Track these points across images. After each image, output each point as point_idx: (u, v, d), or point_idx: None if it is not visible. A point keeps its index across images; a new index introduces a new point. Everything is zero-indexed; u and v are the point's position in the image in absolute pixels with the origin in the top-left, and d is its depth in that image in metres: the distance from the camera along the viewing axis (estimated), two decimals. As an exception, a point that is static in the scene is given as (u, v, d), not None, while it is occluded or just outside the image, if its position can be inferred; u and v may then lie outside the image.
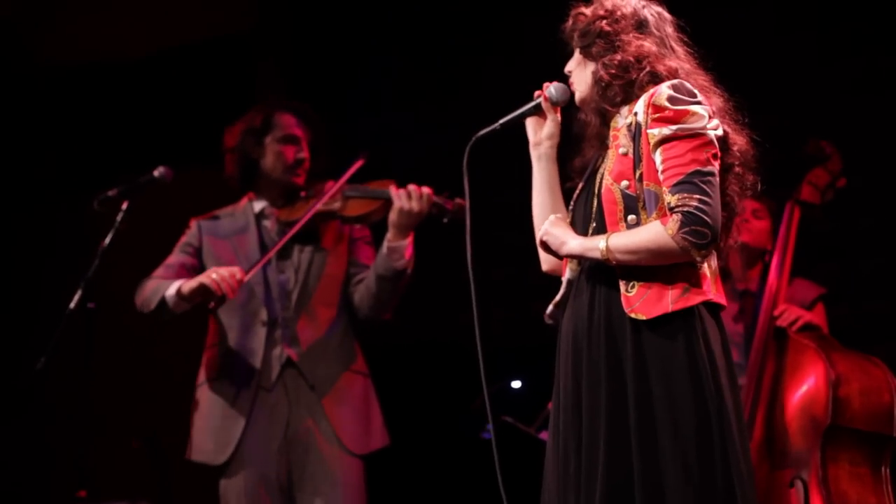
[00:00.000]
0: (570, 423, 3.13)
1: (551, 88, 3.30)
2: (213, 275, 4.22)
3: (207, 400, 4.42)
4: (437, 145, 4.51)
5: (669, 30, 3.25)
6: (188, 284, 4.30)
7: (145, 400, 6.46)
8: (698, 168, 3.00)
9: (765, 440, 4.54)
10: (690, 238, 2.96)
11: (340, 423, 4.32)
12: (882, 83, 5.41)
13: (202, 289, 4.24)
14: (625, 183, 3.10)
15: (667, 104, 3.04)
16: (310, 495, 4.30)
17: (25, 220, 7.01)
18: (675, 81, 3.09)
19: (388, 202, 4.31)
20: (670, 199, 3.00)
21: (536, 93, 3.32)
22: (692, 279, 3.05)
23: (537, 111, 3.33)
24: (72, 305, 4.35)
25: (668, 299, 3.03)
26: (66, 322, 4.34)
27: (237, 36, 6.76)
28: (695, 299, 3.04)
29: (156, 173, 4.50)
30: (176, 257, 4.52)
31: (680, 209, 2.98)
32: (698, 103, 3.05)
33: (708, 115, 3.05)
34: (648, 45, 3.18)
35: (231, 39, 6.77)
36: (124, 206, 4.45)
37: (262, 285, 4.38)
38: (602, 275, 3.12)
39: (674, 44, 3.24)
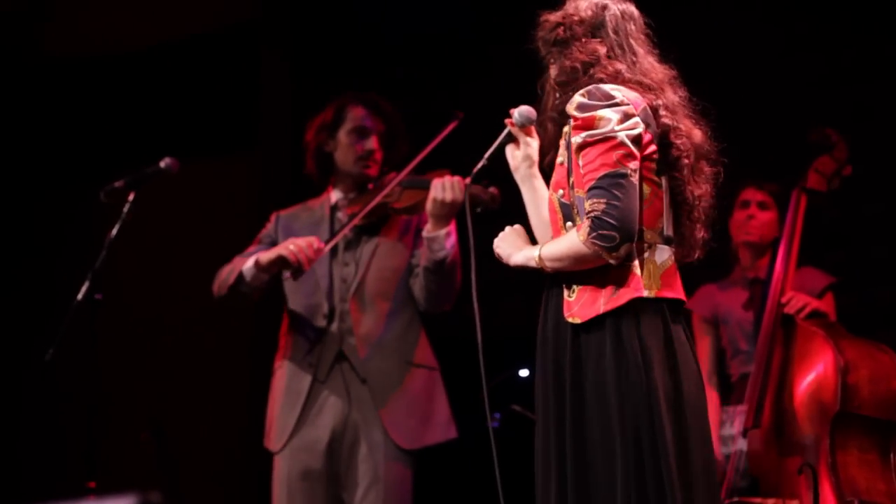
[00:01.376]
0: (538, 424, 3.23)
1: (516, 114, 3.40)
2: (291, 245, 4.26)
3: (275, 389, 4.47)
4: (449, 134, 4.49)
5: (632, 27, 3.28)
6: (266, 255, 4.33)
7: (154, 392, 6.48)
8: (608, 171, 3.05)
9: (773, 427, 4.54)
10: (599, 242, 3.03)
11: (390, 418, 4.31)
12: (886, 70, 5.41)
13: (279, 259, 4.27)
14: (560, 192, 3.20)
15: (576, 113, 3.12)
16: (351, 490, 4.31)
17: (32, 213, 7.02)
18: (589, 87, 3.14)
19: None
20: (586, 204, 3.07)
21: (506, 120, 3.41)
22: (621, 279, 3.10)
23: (512, 139, 3.43)
24: (79, 297, 4.35)
25: (601, 301, 3.10)
26: (73, 313, 4.34)
27: (241, 25, 6.76)
28: (624, 298, 3.08)
29: (162, 164, 4.49)
30: (255, 248, 4.54)
31: (590, 214, 3.05)
32: (611, 105, 3.09)
33: (621, 116, 3.08)
34: (599, 48, 3.22)
35: (235, 29, 6.77)
36: (131, 197, 4.44)
37: (326, 278, 4.40)
38: (554, 281, 3.20)
39: (633, 42, 3.27)
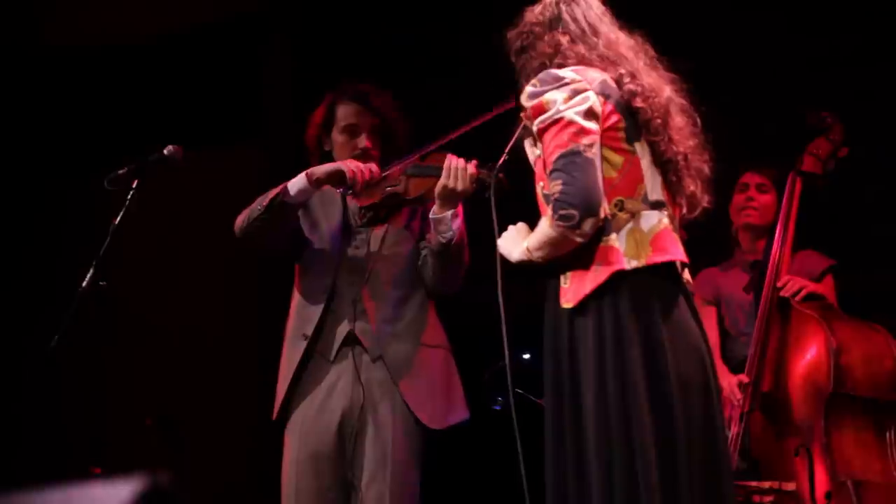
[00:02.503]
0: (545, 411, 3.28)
1: None
2: (351, 164, 4.27)
3: (283, 369, 4.45)
4: (453, 122, 4.51)
5: (591, 12, 3.36)
6: (321, 168, 4.29)
7: (158, 377, 6.52)
8: (560, 153, 3.11)
9: (770, 410, 4.57)
10: (562, 223, 3.08)
11: (408, 399, 4.29)
12: (882, 53, 5.43)
13: (338, 173, 4.25)
14: (541, 184, 3.24)
15: (526, 102, 3.21)
16: (359, 471, 4.29)
17: (37, 202, 7.06)
18: (540, 75, 3.21)
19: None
20: (548, 189, 3.13)
21: (521, 114, 3.40)
22: (602, 256, 3.13)
23: (529, 132, 3.42)
24: (84, 284, 4.37)
25: (587, 283, 3.13)
26: (78, 301, 4.37)
27: (245, 15, 6.78)
28: (604, 275, 3.11)
29: (166, 151, 4.50)
30: None
31: (552, 197, 3.10)
32: (559, 87, 3.16)
33: (567, 94, 3.14)
34: (561, 38, 3.29)
35: (239, 19, 6.79)
36: (134, 184, 4.46)
37: (337, 262, 4.39)
38: (551, 271, 3.24)
39: (594, 22, 3.34)
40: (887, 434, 4.44)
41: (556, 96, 3.13)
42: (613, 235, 3.13)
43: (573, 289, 3.16)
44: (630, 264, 3.12)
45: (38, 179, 7.07)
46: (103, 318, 4.38)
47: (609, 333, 3.08)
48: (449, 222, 4.26)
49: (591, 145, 3.11)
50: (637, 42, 3.34)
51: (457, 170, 4.19)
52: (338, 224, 4.44)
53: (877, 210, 5.42)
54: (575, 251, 3.14)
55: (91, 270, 4.35)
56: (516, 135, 3.44)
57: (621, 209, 3.15)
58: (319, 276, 4.41)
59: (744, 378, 4.64)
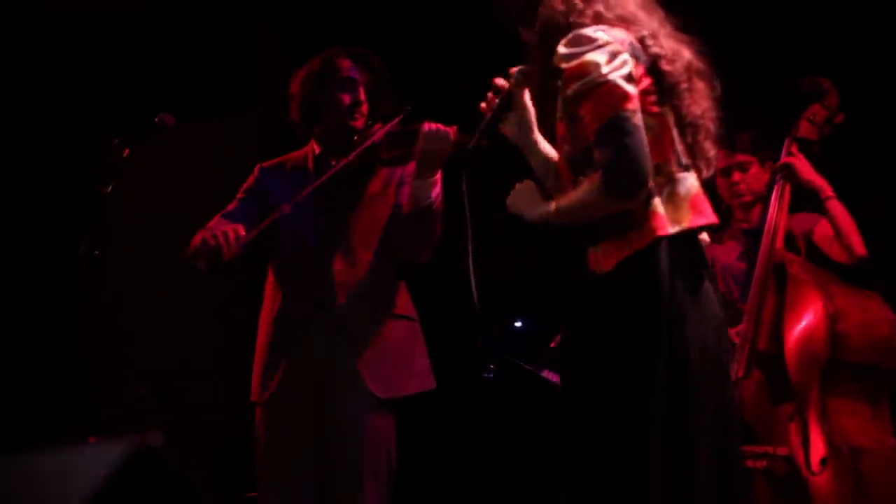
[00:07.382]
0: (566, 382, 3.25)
1: (518, 74, 3.34)
2: (205, 234, 4.22)
3: (259, 341, 4.46)
4: (445, 88, 4.50)
5: None
6: (198, 251, 4.24)
7: (153, 347, 6.52)
8: (609, 118, 3.01)
9: (765, 376, 4.57)
10: (616, 191, 2.99)
11: (371, 368, 4.30)
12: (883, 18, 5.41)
13: (205, 248, 4.21)
14: (566, 148, 3.16)
15: (563, 64, 3.08)
16: (333, 440, 4.29)
17: (30, 170, 7.06)
18: (569, 36, 3.10)
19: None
20: (595, 155, 3.03)
21: (497, 81, 3.35)
22: (639, 221, 3.07)
23: (508, 108, 3.37)
24: (78, 253, 4.36)
25: (624, 248, 3.07)
26: (72, 270, 4.36)
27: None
28: (643, 241, 3.05)
29: (156, 120, 4.50)
30: (233, 207, 4.54)
31: (601, 164, 3.00)
32: (596, 48, 3.05)
33: (608, 57, 3.05)
34: None
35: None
36: (126, 153, 4.45)
37: (311, 228, 4.37)
38: (577, 235, 3.18)
39: None
40: (881, 402, 4.45)
41: (597, 58, 3.03)
42: (655, 200, 3.07)
43: (607, 254, 3.10)
44: (673, 228, 3.06)
45: (33, 147, 7.07)
46: (97, 285, 4.38)
47: (637, 300, 3.03)
48: (429, 189, 4.27)
49: (635, 111, 3.03)
50: (648, 1, 3.27)
51: (435, 132, 4.19)
52: (309, 193, 4.42)
53: (873, 180, 5.41)
54: (608, 216, 3.08)
55: (85, 239, 4.34)
56: (492, 113, 3.36)
57: (658, 173, 3.09)
58: (295, 247, 4.39)
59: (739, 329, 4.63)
